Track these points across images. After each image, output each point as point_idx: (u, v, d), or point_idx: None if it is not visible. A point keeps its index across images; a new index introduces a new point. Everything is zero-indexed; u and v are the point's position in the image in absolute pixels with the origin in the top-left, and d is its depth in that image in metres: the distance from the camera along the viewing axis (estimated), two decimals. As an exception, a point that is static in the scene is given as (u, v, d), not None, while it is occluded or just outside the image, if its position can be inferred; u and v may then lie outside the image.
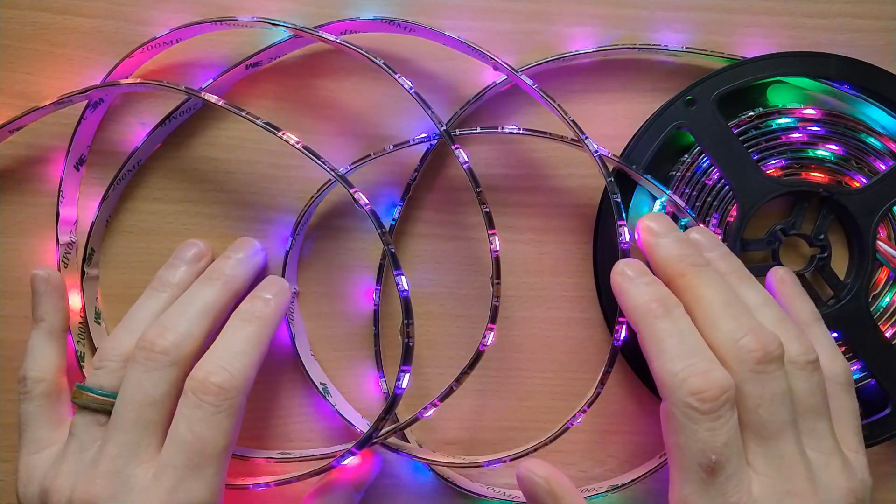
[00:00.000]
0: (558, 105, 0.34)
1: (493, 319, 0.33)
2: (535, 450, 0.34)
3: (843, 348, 0.36)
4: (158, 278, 0.34)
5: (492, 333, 0.33)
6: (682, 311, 0.30)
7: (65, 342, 0.35)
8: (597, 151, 0.34)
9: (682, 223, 0.37)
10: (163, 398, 0.29)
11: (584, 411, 0.33)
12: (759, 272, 0.37)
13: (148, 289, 0.34)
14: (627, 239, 0.33)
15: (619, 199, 0.33)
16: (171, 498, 0.28)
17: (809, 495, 0.28)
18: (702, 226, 0.35)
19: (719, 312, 0.30)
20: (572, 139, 0.35)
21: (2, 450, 0.38)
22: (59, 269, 0.37)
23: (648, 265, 0.33)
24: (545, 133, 0.36)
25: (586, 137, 0.34)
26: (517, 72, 0.35)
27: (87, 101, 0.36)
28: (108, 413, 0.30)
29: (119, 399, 0.30)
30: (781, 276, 0.35)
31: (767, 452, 0.28)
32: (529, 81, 0.34)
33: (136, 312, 0.33)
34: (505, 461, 0.34)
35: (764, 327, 0.30)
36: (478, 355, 0.33)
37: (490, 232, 0.33)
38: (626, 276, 0.32)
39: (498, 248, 0.33)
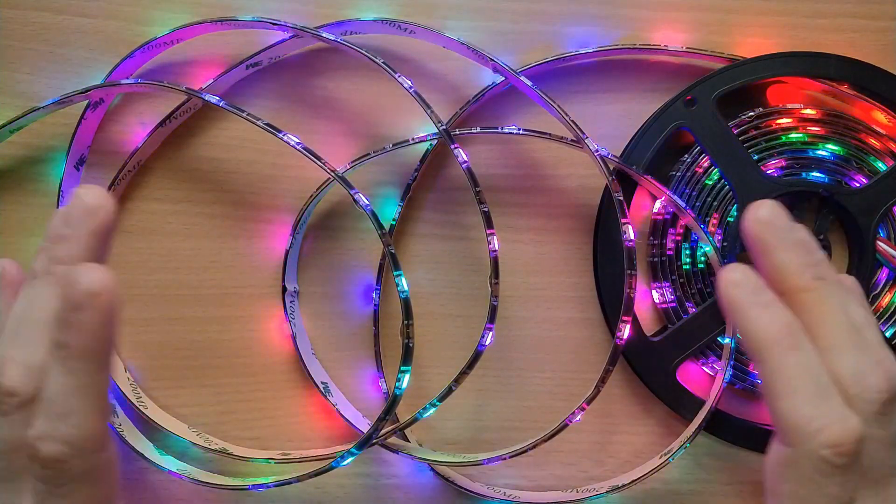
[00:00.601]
0: (558, 106, 0.34)
1: (491, 319, 0.33)
2: (534, 446, 0.34)
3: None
4: (31, 271, 0.27)
5: (490, 333, 0.33)
6: (809, 342, 0.26)
7: None
8: (597, 151, 0.34)
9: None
10: (16, 446, 0.24)
11: (583, 408, 0.33)
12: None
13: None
14: (632, 237, 0.33)
15: (621, 198, 0.33)
16: None
17: None
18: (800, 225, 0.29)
19: (845, 341, 0.26)
20: (572, 140, 0.35)
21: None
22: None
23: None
24: (545, 133, 0.36)
25: (586, 137, 0.34)
26: (516, 73, 0.35)
27: (87, 101, 0.36)
28: None
29: None
30: (850, 286, 0.30)
31: (878, 495, 0.26)
32: (529, 83, 0.34)
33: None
34: (504, 458, 0.34)
35: (888, 359, 0.26)
36: (476, 355, 0.33)
37: (488, 231, 0.33)
38: (744, 290, 0.27)
39: (496, 247, 0.33)
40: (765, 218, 0.28)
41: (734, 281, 0.27)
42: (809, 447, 0.25)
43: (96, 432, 0.24)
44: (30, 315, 0.25)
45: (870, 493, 0.25)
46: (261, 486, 0.34)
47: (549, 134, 0.36)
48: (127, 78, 0.37)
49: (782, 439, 0.26)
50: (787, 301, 0.27)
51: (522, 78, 0.34)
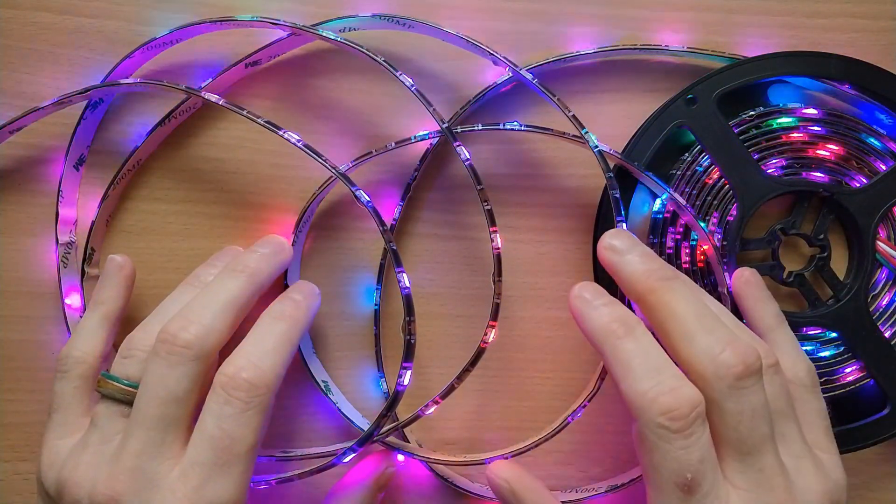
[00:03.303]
0: (558, 99, 0.34)
1: (494, 317, 0.33)
2: (536, 446, 0.34)
3: (842, 348, 0.37)
4: (195, 275, 0.34)
5: (493, 331, 0.33)
6: (643, 329, 0.29)
7: (114, 331, 0.34)
8: (597, 147, 0.34)
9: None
10: (186, 394, 0.29)
11: (584, 406, 0.33)
12: (759, 271, 0.37)
13: (182, 284, 0.34)
14: None
15: (618, 195, 0.33)
16: (198, 496, 0.27)
17: None
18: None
19: (694, 327, 0.29)
20: (574, 135, 0.35)
21: (2, 450, 0.38)
22: (58, 269, 0.37)
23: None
24: (547, 129, 0.36)
25: (586, 132, 0.34)
26: (517, 66, 0.34)
27: (87, 101, 0.36)
28: (132, 404, 0.29)
29: (140, 394, 0.29)
30: (747, 277, 0.35)
31: (747, 468, 0.28)
32: (530, 76, 0.34)
33: (167, 305, 0.33)
34: (506, 457, 0.34)
35: (741, 339, 0.29)
36: (479, 352, 0.33)
37: (492, 229, 0.33)
38: (583, 300, 0.31)
39: (499, 245, 0.33)
40: (608, 243, 0.32)
41: (575, 294, 0.31)
42: (648, 417, 0.27)
43: (282, 376, 0.30)
44: (219, 293, 0.31)
45: (738, 465, 0.28)
46: (261, 484, 0.34)
47: (551, 129, 0.36)
48: (127, 78, 0.37)
49: (633, 416, 0.28)
50: (641, 306, 0.31)
51: (523, 70, 0.34)
